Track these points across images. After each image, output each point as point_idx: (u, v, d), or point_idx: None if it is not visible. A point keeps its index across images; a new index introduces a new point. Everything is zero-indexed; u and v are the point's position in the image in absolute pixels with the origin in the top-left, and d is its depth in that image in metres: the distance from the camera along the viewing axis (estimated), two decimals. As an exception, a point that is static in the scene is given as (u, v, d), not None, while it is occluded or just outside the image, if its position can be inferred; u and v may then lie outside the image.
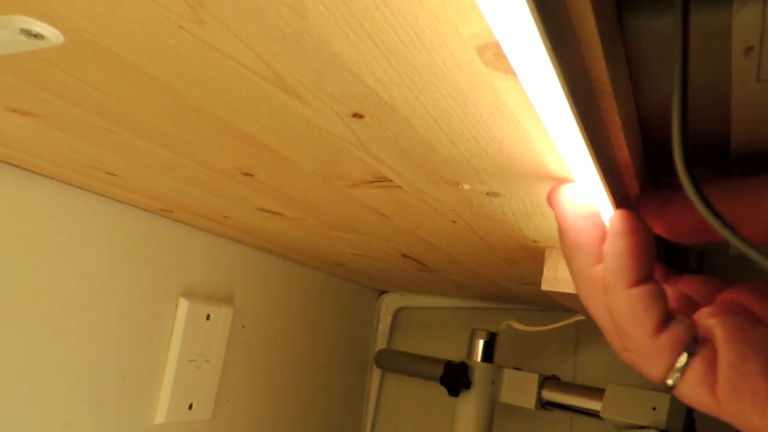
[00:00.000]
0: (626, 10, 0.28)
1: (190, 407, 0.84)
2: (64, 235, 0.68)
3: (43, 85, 0.38)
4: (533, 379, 0.93)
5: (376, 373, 1.31)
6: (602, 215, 0.37)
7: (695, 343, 0.34)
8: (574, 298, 0.65)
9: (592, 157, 0.30)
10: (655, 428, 0.78)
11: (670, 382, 0.34)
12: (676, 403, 0.79)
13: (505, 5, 0.19)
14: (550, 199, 0.38)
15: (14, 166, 0.62)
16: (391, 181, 0.48)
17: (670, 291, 0.39)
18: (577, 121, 0.27)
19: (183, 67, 0.33)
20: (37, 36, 0.30)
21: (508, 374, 0.96)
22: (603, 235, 0.36)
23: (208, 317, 0.86)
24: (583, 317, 0.89)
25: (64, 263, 0.68)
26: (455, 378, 0.96)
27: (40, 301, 0.66)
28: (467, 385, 0.95)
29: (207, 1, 0.26)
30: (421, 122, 0.35)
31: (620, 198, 0.37)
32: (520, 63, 0.23)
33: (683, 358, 0.34)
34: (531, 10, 0.19)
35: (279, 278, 1.03)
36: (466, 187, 0.47)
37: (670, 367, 0.34)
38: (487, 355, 0.98)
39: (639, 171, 0.40)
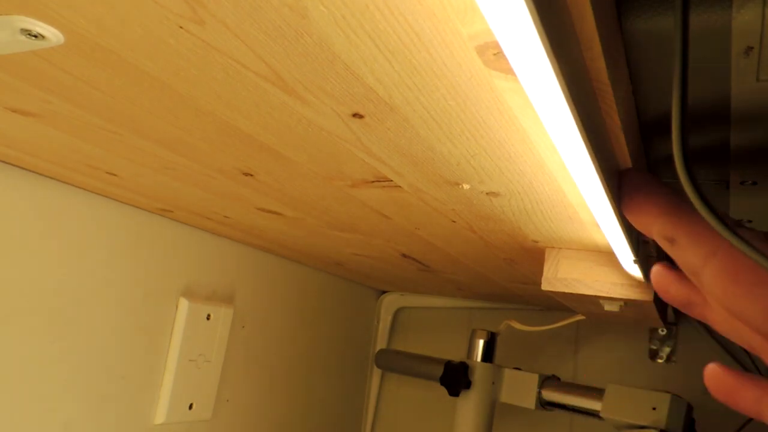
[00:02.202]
0: (626, 10, 0.28)
1: (190, 407, 0.84)
2: (64, 235, 0.68)
3: (43, 85, 0.38)
4: (533, 379, 0.93)
5: (376, 373, 1.31)
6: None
7: None
8: (574, 297, 0.65)
9: (591, 157, 0.30)
10: (655, 428, 0.78)
11: None
12: (676, 403, 0.79)
13: (505, 5, 0.19)
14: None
15: (14, 166, 0.62)
16: (391, 181, 0.48)
17: None
18: (576, 121, 0.27)
19: (183, 66, 0.33)
20: (37, 36, 0.30)
21: (508, 374, 0.96)
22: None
23: (208, 317, 0.86)
24: (583, 317, 0.89)
25: (65, 263, 0.68)
26: (455, 378, 0.96)
27: (40, 301, 0.66)
28: (467, 385, 0.95)
29: (207, 1, 0.26)
30: (420, 122, 0.35)
31: (620, 200, 0.37)
32: (519, 63, 0.23)
33: None
34: (530, 10, 0.19)
35: (279, 278, 1.03)
36: (466, 186, 0.47)
37: None
38: (487, 355, 0.98)
39: (639, 171, 0.40)
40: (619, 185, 0.35)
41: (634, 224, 0.34)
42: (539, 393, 0.92)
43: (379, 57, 0.29)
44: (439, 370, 0.99)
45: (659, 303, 0.64)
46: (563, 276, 0.61)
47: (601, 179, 0.33)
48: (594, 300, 0.63)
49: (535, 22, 0.20)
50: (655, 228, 0.31)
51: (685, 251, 0.30)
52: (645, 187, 0.34)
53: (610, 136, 0.34)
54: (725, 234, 0.30)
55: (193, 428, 0.86)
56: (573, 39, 0.25)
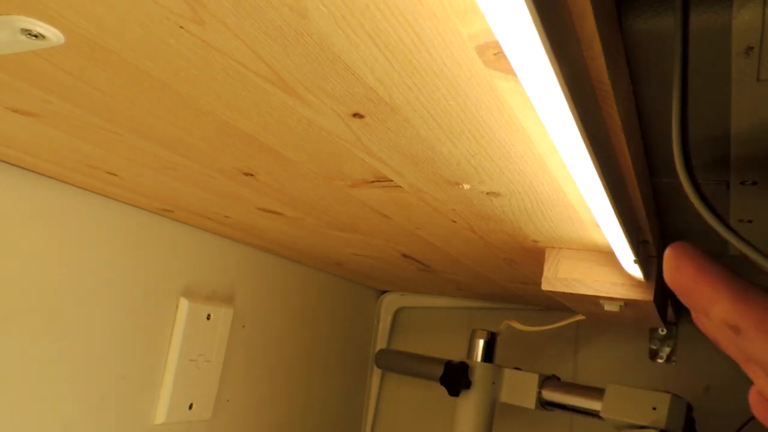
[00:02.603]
0: (626, 10, 0.28)
1: (190, 407, 0.84)
2: (64, 235, 0.68)
3: (44, 85, 0.38)
4: (533, 379, 0.93)
5: (376, 373, 1.31)
6: None
7: None
8: (574, 297, 0.65)
9: (591, 157, 0.30)
10: (655, 428, 0.78)
11: None
12: (676, 403, 0.79)
13: (505, 5, 0.19)
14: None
15: (14, 166, 0.62)
16: (391, 180, 0.48)
17: None
18: (577, 121, 0.27)
19: (183, 66, 0.33)
20: (37, 36, 0.30)
21: (508, 374, 0.96)
22: None
23: (208, 317, 0.86)
24: (583, 317, 0.89)
25: (65, 263, 0.68)
26: (455, 378, 0.96)
27: (40, 301, 0.66)
28: (467, 385, 0.95)
29: (207, 1, 0.26)
30: (421, 122, 0.35)
31: (620, 200, 0.37)
32: (520, 63, 0.23)
33: None
34: (531, 11, 0.19)
35: (279, 278, 1.03)
36: (467, 186, 0.47)
37: None
38: (487, 355, 0.98)
39: (639, 171, 0.40)
40: (665, 252, 0.32)
41: (685, 299, 0.31)
42: (539, 393, 0.92)
43: (380, 57, 0.29)
44: (439, 370, 0.99)
45: (659, 303, 0.64)
46: (563, 276, 0.61)
47: (601, 179, 0.33)
48: (594, 300, 0.63)
49: (535, 22, 0.20)
50: (716, 310, 0.29)
51: (753, 342, 0.28)
52: (700, 259, 0.31)
53: (610, 136, 0.34)
54: (725, 233, 0.30)
55: (193, 428, 0.86)
56: (573, 39, 0.25)
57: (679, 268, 0.29)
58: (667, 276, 0.30)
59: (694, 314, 0.30)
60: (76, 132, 0.47)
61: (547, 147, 0.36)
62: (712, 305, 0.28)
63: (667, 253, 0.30)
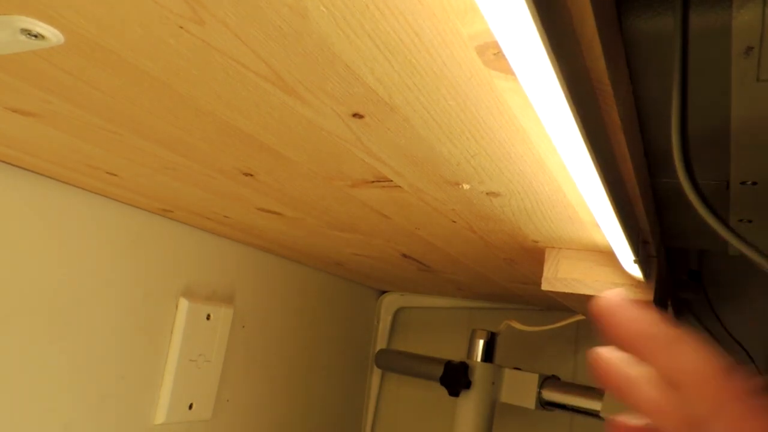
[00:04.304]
0: (626, 10, 0.28)
1: (190, 407, 0.84)
2: (64, 235, 0.68)
3: (43, 85, 0.38)
4: (533, 379, 0.93)
5: (376, 373, 1.31)
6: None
7: None
8: (574, 297, 0.65)
9: (591, 157, 0.30)
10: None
11: None
12: (676, 403, 0.79)
13: (505, 5, 0.19)
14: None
15: (14, 166, 0.62)
16: (391, 181, 0.48)
17: None
18: (576, 121, 0.27)
19: (183, 66, 0.33)
20: (37, 36, 0.30)
21: (508, 374, 0.96)
22: None
23: (208, 317, 0.86)
24: (583, 317, 0.89)
25: (65, 263, 0.68)
26: (455, 378, 0.96)
27: (40, 301, 0.66)
28: (467, 385, 0.95)
29: (207, 1, 0.26)
30: (421, 122, 0.35)
31: (620, 200, 0.37)
32: (519, 63, 0.23)
33: None
34: (531, 11, 0.19)
35: (279, 278, 1.03)
36: (466, 186, 0.47)
37: None
38: (487, 355, 0.98)
39: (639, 171, 0.40)
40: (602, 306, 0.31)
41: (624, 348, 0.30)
42: (539, 393, 0.92)
43: (379, 57, 0.29)
44: (439, 370, 0.99)
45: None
46: (563, 276, 0.61)
47: (601, 179, 0.33)
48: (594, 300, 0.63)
49: (535, 23, 0.20)
50: (656, 362, 0.27)
51: (689, 399, 0.26)
52: (634, 310, 0.28)
53: (610, 136, 0.34)
54: (725, 233, 0.30)
55: (193, 428, 0.86)
56: (573, 39, 0.25)
57: (602, 377, 0.29)
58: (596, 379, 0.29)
59: None
60: (76, 132, 0.47)
61: (546, 147, 0.35)
62: (653, 355, 0.27)
63: (592, 360, 0.29)
